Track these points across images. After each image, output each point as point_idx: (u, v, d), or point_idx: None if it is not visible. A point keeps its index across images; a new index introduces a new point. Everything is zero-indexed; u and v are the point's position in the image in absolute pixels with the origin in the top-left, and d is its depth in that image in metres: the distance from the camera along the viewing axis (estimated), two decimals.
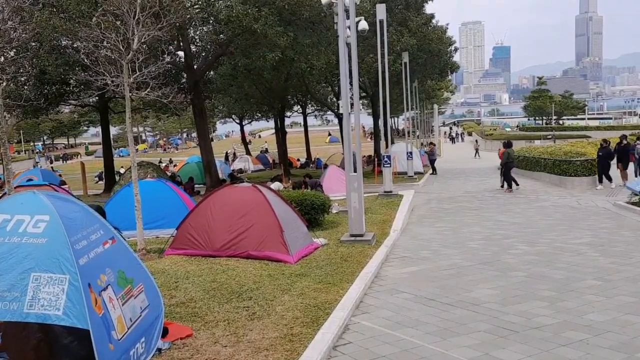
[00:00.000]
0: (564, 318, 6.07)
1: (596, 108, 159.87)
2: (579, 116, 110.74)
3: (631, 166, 19.95)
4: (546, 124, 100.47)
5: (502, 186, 20.52)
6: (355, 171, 10.80)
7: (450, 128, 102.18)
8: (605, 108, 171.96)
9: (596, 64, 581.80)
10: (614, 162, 19.28)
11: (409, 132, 33.79)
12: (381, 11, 16.48)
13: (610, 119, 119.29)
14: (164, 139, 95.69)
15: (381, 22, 16.80)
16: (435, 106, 63.96)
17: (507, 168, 20.18)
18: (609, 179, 18.99)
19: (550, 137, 62.74)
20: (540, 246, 10.16)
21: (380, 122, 31.43)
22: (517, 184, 20.28)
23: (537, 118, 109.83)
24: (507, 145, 21.04)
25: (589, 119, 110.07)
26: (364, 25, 14.03)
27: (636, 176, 18.49)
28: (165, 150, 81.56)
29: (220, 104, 37.95)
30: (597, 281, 7.53)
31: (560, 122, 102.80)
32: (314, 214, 11.75)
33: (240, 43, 18.85)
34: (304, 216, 10.84)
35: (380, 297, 7.24)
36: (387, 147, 26.36)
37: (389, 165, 17.58)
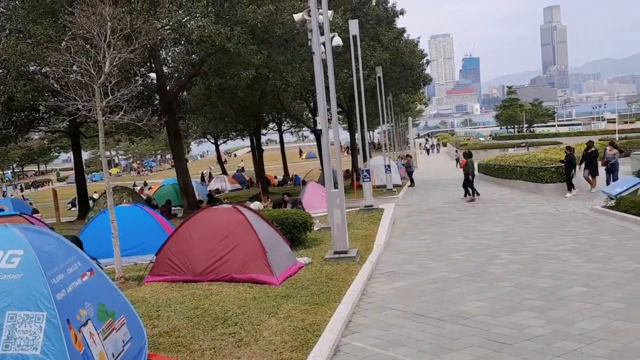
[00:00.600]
0: (555, 328, 6.02)
1: (565, 115, 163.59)
2: (549, 123, 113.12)
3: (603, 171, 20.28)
4: (518, 132, 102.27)
5: (466, 195, 20.67)
6: (336, 187, 10.72)
7: (426, 140, 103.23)
8: (573, 114, 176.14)
9: (562, 72, 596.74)
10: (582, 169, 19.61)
11: (386, 146, 33.93)
12: (354, 26, 16.57)
13: (580, 125, 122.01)
14: (138, 162, 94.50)
15: (354, 37, 16.89)
16: (410, 119, 64.57)
17: (472, 177, 20.47)
18: (571, 186, 19.21)
19: (523, 144, 63.83)
20: (524, 254, 10.17)
21: (357, 137, 31.55)
22: (478, 194, 20.52)
23: (509, 127, 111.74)
24: (468, 155, 21.31)
25: (558, 125, 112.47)
26: (338, 41, 14.06)
27: (608, 182, 18.75)
28: (139, 173, 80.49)
29: (194, 124, 37.64)
30: (584, 288, 7.52)
31: (532, 129, 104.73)
32: (296, 232, 11.59)
33: (214, 62, 18.72)
34: (286, 235, 10.69)
35: (369, 315, 7.10)
36: (365, 161, 26.42)
37: (368, 179, 17.55)
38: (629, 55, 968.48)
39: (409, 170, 31.64)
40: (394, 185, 27.33)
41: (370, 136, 79.89)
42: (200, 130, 44.23)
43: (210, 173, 52.01)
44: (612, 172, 19.37)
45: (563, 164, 19.54)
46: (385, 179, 26.29)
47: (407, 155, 37.60)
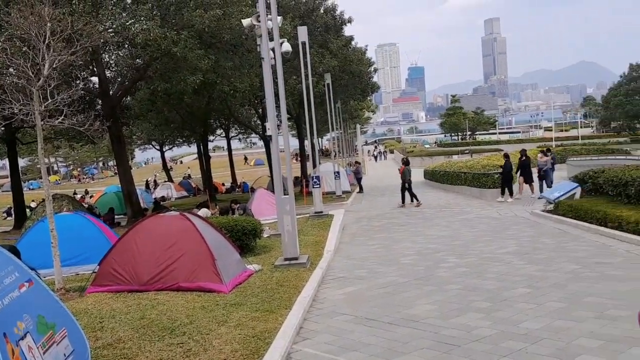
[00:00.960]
0: (501, 328, 6.17)
1: (505, 123, 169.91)
2: (490, 131, 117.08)
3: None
4: (462, 139, 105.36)
5: (412, 201, 21.09)
6: (286, 194, 10.66)
7: (375, 147, 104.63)
8: (513, 123, 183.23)
9: (502, 82, 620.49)
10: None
11: (335, 153, 34.15)
12: (302, 33, 16.61)
13: (519, 132, 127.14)
14: (78, 169, 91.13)
15: (303, 44, 16.93)
16: (358, 126, 65.33)
17: (409, 184, 20.98)
18: (511, 192, 19.93)
19: (467, 151, 65.81)
20: (470, 258, 10.42)
21: (307, 143, 31.57)
22: (412, 200, 21.04)
23: (453, 134, 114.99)
24: (406, 162, 21.82)
25: (500, 133, 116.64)
26: (287, 47, 14.03)
27: (541, 190, 19.38)
28: (79, 180, 77.61)
29: (138, 130, 36.65)
30: (527, 289, 7.76)
31: (474, 137, 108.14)
32: (246, 239, 11.45)
33: (159, 67, 18.31)
34: (235, 242, 10.54)
35: (320, 321, 7.07)
36: (314, 167, 26.50)
37: (318, 186, 17.59)
38: (563, 67, 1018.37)
39: (357, 176, 31.95)
40: (343, 192, 27.52)
41: (319, 143, 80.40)
42: (145, 136, 43.16)
43: (155, 180, 50.76)
44: (545, 178, 20.22)
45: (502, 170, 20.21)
46: (335, 186, 26.42)
47: (356, 162, 37.98)
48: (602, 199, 13.61)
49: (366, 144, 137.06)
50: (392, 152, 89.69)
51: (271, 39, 11.25)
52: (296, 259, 10.17)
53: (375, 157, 76.97)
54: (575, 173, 18.23)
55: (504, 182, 19.88)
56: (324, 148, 75.72)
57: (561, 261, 9.46)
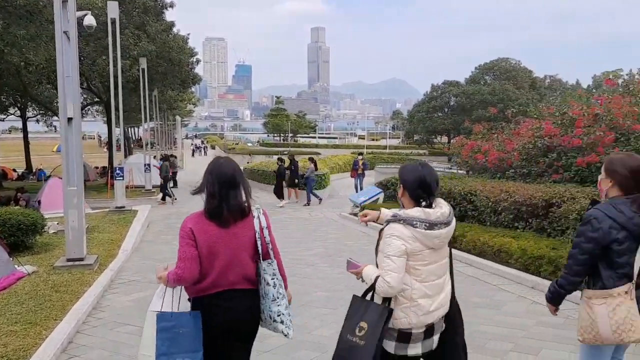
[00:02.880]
0: (296, 336, 5.89)
1: (325, 128, 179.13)
2: (311, 135, 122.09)
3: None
4: (283, 140, 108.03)
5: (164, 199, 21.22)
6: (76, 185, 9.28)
7: (200, 141, 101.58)
8: (332, 129, 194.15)
9: (325, 89, 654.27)
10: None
11: (148, 144, 32.09)
12: (113, 9, 14.95)
13: (336, 138, 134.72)
14: None
15: (113, 20, 15.28)
16: (178, 118, 62.78)
17: (166, 181, 21.46)
18: (281, 196, 20.62)
19: (286, 152, 67.39)
20: None
21: (120, 132, 29.08)
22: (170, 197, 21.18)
23: (275, 135, 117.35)
24: (164, 158, 21.96)
25: (319, 137, 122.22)
26: (90, 20, 12.49)
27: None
28: None
29: None
30: (326, 292, 7.69)
31: (296, 139, 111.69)
32: (21, 235, 9.76)
33: None
34: (7, 239, 8.90)
35: (97, 333, 6.11)
36: (126, 157, 24.45)
37: (121, 177, 16.03)
38: (377, 81, 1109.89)
39: (172, 170, 30.39)
40: (154, 186, 25.89)
41: (134, 132, 75.55)
42: None
43: None
44: (306, 184, 20.71)
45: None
46: (145, 179, 24.67)
47: (172, 155, 36.19)
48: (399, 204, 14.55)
49: (187, 137, 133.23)
50: (213, 147, 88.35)
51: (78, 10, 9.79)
52: (82, 259, 8.90)
53: (193, 152, 74.45)
54: (381, 179, 19.43)
55: (276, 188, 20.58)
56: (139, 138, 71.39)
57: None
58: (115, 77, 16.12)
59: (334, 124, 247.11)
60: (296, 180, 20.62)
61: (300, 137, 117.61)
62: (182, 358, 3.07)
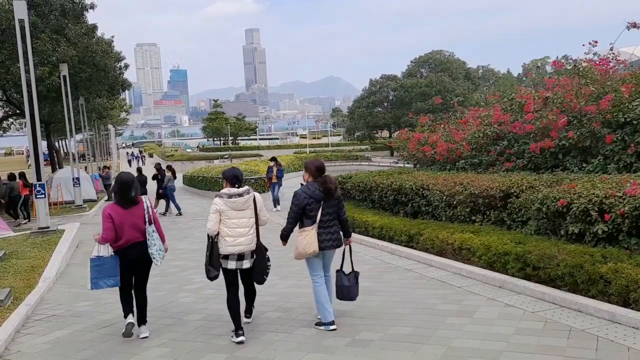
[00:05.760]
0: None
1: (265, 130, 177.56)
2: (252, 137, 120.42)
3: None
4: (223, 144, 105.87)
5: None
6: None
7: (139, 151, 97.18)
8: (273, 130, 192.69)
9: (263, 90, 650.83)
10: None
11: (77, 156, 30.07)
12: (20, 9, 13.38)
13: (278, 139, 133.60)
14: None
15: (21, 22, 13.72)
16: (111, 127, 59.92)
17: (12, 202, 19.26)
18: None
19: (227, 156, 65.80)
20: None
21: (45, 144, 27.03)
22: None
23: (215, 139, 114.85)
24: (11, 178, 19.54)
25: (260, 139, 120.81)
26: None
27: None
28: None
29: None
30: (278, 312, 6.82)
31: (237, 142, 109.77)
32: None
33: None
34: None
35: None
36: (54, 171, 22.55)
37: (43, 195, 14.48)
38: (315, 80, 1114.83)
39: (106, 182, 28.64)
40: (86, 201, 24.15)
41: (65, 145, 71.70)
42: None
43: None
44: (167, 194, 19.77)
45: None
46: (74, 194, 22.90)
47: (105, 167, 34.22)
48: (349, 204, 13.81)
49: (124, 146, 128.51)
50: (151, 155, 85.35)
51: None
52: None
53: (129, 161, 70.91)
54: None
55: (156, 196, 19.66)
56: (72, 151, 67.51)
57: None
58: (29, 84, 14.58)
59: (275, 125, 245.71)
60: (160, 191, 19.57)
61: (241, 139, 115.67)
62: (106, 280, 5.90)
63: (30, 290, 8.72)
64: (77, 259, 12.21)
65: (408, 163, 16.43)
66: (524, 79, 67.48)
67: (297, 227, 5.93)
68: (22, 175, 19.73)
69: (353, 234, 11.77)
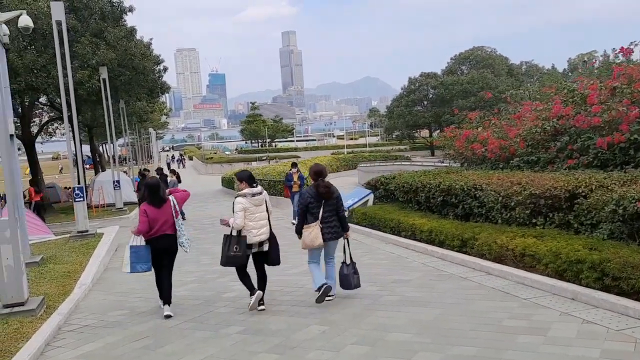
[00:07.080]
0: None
1: (303, 131, 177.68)
2: (289, 138, 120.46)
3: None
4: (261, 146, 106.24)
5: None
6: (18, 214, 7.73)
7: (180, 154, 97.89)
8: (310, 131, 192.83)
9: (299, 92, 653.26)
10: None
11: (119, 160, 30.31)
12: (57, 10, 13.23)
13: (315, 140, 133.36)
14: None
15: (59, 23, 13.60)
16: (152, 130, 60.70)
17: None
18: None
19: (264, 158, 65.75)
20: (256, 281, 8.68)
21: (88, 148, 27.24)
22: None
23: (253, 141, 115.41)
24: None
25: (297, 140, 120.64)
26: (26, 21, 10.88)
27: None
28: None
29: None
30: (321, 326, 6.21)
31: (274, 144, 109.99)
32: None
33: None
34: None
35: None
36: (96, 174, 22.65)
37: (81, 198, 14.34)
38: (352, 80, 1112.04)
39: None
40: (127, 203, 24.18)
41: (107, 148, 73.11)
42: None
43: None
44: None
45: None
46: (115, 197, 22.94)
47: (145, 170, 34.40)
48: (394, 206, 13.13)
49: (164, 150, 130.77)
50: (191, 158, 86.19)
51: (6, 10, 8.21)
52: (22, 304, 7.33)
53: (169, 165, 70.63)
54: (367, 179, 18.02)
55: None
56: (114, 154, 68.64)
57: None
58: (66, 86, 14.45)
59: (312, 126, 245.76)
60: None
61: (279, 141, 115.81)
62: (142, 265, 7.05)
63: (65, 297, 8.41)
64: (115, 263, 11.90)
65: (454, 162, 15.59)
66: (570, 74, 64.96)
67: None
68: (34, 182, 19.90)
69: (399, 238, 11.19)
